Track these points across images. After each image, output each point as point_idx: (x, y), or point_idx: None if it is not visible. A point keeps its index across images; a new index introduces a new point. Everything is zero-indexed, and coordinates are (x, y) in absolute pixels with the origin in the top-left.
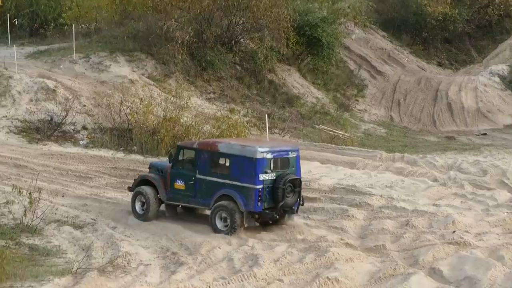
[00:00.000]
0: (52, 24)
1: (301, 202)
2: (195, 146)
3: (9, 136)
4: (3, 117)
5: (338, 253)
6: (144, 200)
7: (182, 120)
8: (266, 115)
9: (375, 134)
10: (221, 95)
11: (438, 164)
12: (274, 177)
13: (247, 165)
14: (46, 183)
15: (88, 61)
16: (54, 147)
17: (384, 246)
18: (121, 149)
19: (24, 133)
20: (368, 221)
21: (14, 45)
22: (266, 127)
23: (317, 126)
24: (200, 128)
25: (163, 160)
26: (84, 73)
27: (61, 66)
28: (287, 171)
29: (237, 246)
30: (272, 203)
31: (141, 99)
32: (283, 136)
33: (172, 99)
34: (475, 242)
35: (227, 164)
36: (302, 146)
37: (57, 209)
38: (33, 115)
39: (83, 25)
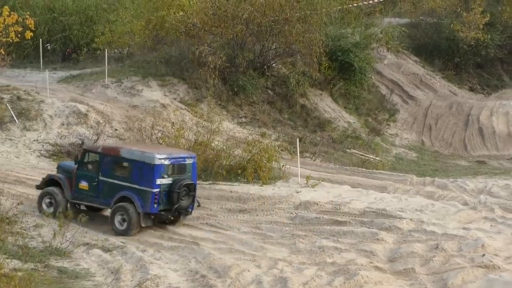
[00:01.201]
0: (84, 49)
1: (198, 204)
2: (99, 150)
3: (40, 159)
4: (34, 140)
5: (367, 276)
6: (52, 200)
7: (213, 144)
8: (298, 139)
9: (406, 158)
10: (253, 119)
11: (468, 188)
12: (171, 182)
13: (146, 170)
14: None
15: (120, 86)
16: None
17: (413, 269)
18: None
19: (55, 157)
20: (398, 245)
21: (47, 70)
22: (297, 151)
23: (348, 150)
24: (231, 152)
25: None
26: (116, 97)
27: (93, 91)
28: (183, 176)
29: (266, 269)
30: (168, 205)
31: (173, 123)
32: (314, 160)
33: (203, 123)
34: (505, 265)
35: (128, 168)
36: (333, 170)
37: (86, 232)
38: (64, 139)
39: (115, 50)
